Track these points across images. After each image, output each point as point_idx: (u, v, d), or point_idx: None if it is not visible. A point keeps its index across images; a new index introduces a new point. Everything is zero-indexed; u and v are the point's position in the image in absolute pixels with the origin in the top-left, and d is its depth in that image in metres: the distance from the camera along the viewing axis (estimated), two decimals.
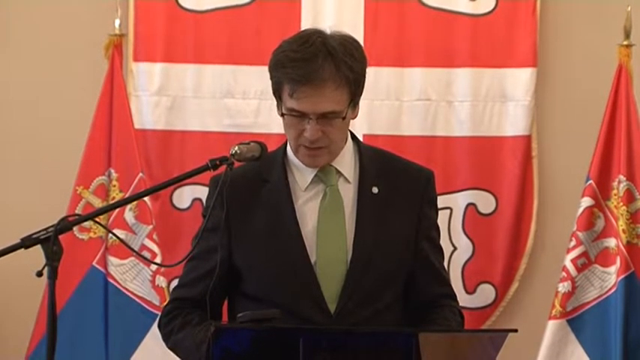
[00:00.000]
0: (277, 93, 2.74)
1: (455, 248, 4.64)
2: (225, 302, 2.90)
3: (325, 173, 2.81)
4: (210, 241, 2.76)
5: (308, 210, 2.79)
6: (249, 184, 2.80)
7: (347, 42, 2.73)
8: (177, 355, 2.81)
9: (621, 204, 4.39)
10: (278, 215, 2.78)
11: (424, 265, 2.85)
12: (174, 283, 2.98)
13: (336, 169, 2.81)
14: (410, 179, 2.87)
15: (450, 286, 2.94)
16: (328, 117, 2.70)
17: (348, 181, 2.82)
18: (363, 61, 2.75)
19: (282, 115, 2.73)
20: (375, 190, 2.82)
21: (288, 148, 2.84)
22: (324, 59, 2.66)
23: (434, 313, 2.84)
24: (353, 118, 2.80)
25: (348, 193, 2.81)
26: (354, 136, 2.88)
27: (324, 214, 2.78)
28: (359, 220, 2.78)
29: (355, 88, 2.73)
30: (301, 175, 2.82)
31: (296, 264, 2.74)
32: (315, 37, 2.71)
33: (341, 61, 2.68)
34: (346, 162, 2.83)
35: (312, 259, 2.75)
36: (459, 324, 2.87)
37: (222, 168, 2.70)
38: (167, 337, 2.83)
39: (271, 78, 2.75)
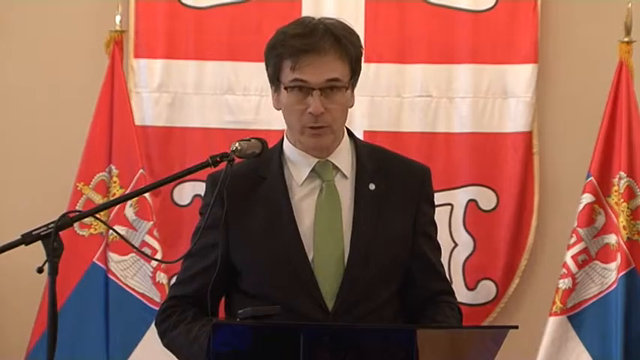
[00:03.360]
0: (276, 75, 2.74)
1: (456, 244, 4.64)
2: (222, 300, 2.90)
3: (322, 168, 2.81)
4: (208, 238, 2.77)
5: (305, 206, 2.79)
6: (246, 181, 2.80)
7: (343, 23, 2.78)
8: (172, 352, 2.81)
9: (622, 200, 4.39)
10: (275, 212, 2.77)
11: (421, 262, 2.85)
12: (174, 280, 2.98)
13: (333, 164, 2.81)
14: (407, 175, 2.87)
15: (448, 281, 2.95)
16: (332, 88, 2.71)
17: (345, 177, 2.82)
18: (360, 45, 2.79)
19: (285, 88, 2.73)
20: (372, 186, 2.81)
21: (285, 143, 2.84)
22: (324, 33, 2.71)
23: (432, 309, 2.84)
24: (351, 106, 2.81)
25: (345, 189, 2.81)
26: (350, 133, 2.88)
27: (321, 211, 2.78)
28: (356, 216, 2.78)
29: (355, 64, 2.76)
30: (297, 170, 2.82)
31: (293, 261, 2.74)
32: (311, 18, 2.76)
33: (341, 36, 2.73)
34: (343, 157, 2.83)
35: (310, 256, 2.75)
36: (457, 320, 2.87)
37: (223, 164, 2.70)
38: (162, 335, 2.84)
39: (268, 61, 2.76)
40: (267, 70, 2.78)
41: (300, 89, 2.72)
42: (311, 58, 2.68)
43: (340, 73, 2.72)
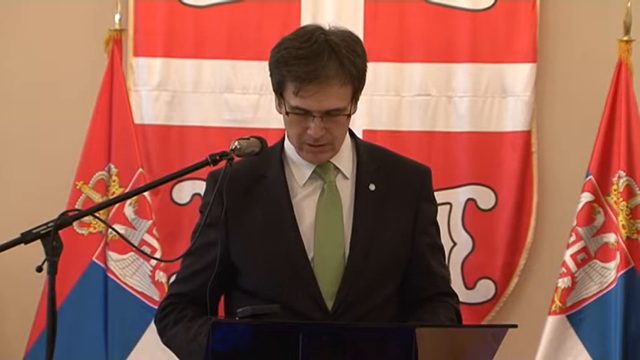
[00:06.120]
0: (279, 91, 2.73)
1: (455, 244, 4.64)
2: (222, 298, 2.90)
3: (323, 169, 2.81)
4: (208, 236, 2.77)
5: (306, 206, 2.79)
6: (246, 180, 2.80)
7: (349, 38, 2.73)
8: (172, 350, 2.81)
9: (621, 199, 4.39)
10: (276, 211, 2.77)
11: (420, 262, 2.85)
12: (174, 278, 2.98)
13: (334, 165, 2.81)
14: (407, 176, 2.87)
15: (447, 282, 2.93)
16: (333, 114, 2.70)
17: (346, 177, 2.82)
18: (365, 56, 2.75)
19: (287, 113, 2.72)
20: (372, 186, 2.82)
21: (286, 143, 2.84)
22: (329, 57, 2.66)
23: (422, 309, 2.83)
24: (353, 113, 2.80)
25: (345, 189, 2.81)
26: (351, 133, 2.88)
27: (321, 210, 2.78)
28: (356, 216, 2.78)
29: (358, 84, 2.73)
30: (299, 170, 2.82)
31: (294, 260, 2.74)
32: (317, 33, 2.70)
33: (345, 58, 2.68)
34: (344, 158, 2.83)
35: (310, 256, 2.75)
36: (452, 321, 2.85)
37: (222, 163, 2.70)
38: (162, 333, 2.84)
39: (272, 76, 2.73)
40: (270, 77, 2.75)
41: (302, 114, 2.71)
42: (314, 89, 2.65)
43: (342, 100, 2.70)
